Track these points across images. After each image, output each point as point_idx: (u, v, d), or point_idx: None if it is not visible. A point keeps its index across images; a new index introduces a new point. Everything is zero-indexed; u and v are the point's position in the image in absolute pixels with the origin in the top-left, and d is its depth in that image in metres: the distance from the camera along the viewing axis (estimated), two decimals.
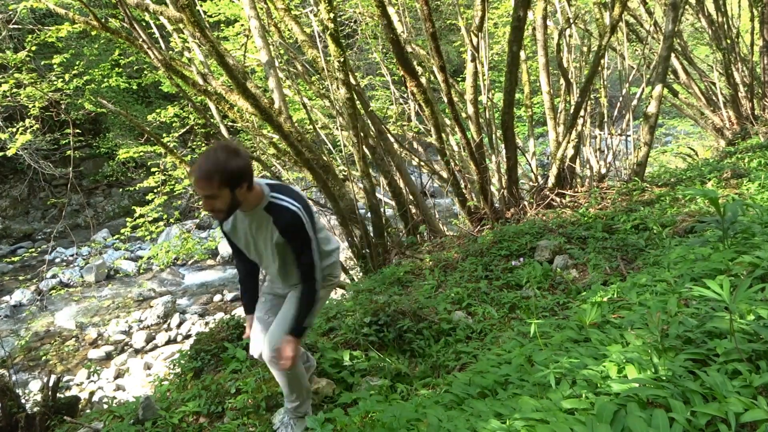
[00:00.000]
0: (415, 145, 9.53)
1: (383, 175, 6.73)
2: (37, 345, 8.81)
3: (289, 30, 7.02)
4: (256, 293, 2.75)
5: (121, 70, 10.69)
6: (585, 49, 8.94)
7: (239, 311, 8.88)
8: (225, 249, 12.25)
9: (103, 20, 6.15)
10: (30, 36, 8.52)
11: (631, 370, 1.77)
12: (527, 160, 8.05)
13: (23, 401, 3.74)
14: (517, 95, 7.13)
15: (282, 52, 7.52)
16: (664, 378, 1.65)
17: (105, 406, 4.01)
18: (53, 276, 11.49)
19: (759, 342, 1.73)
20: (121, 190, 15.17)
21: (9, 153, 9.07)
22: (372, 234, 6.28)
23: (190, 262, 12.34)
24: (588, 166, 7.61)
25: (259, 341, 2.63)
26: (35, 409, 3.64)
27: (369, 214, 6.38)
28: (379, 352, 3.31)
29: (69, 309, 10.14)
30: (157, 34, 7.63)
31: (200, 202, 2.30)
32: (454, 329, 3.58)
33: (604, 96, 7.77)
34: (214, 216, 2.27)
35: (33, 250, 11.91)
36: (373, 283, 4.79)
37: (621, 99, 8.55)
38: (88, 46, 11.91)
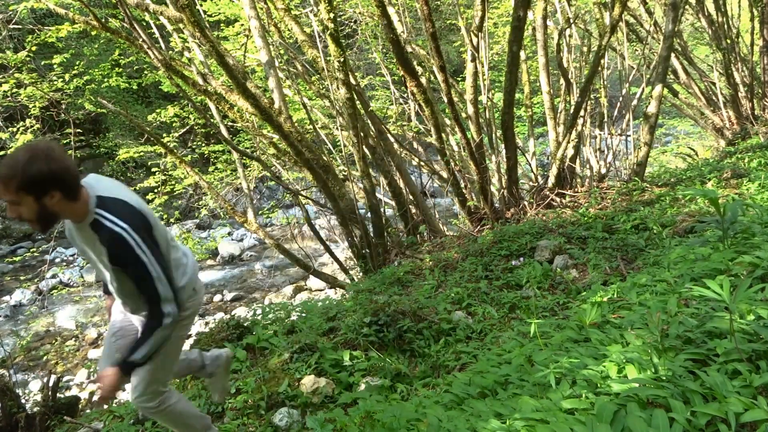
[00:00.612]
0: (415, 145, 9.54)
1: (383, 175, 6.73)
2: (37, 345, 8.81)
3: (289, 30, 7.03)
4: None
5: (121, 70, 10.68)
6: (585, 49, 8.94)
7: (239, 311, 8.88)
8: (225, 249, 12.26)
9: (103, 20, 6.15)
10: (30, 36, 8.53)
11: (631, 370, 1.77)
12: (527, 160, 8.05)
13: (23, 401, 3.74)
14: (517, 95, 7.12)
15: (282, 52, 7.52)
16: (664, 378, 1.65)
17: (105, 406, 4.01)
18: (53, 276, 11.48)
19: (759, 342, 1.73)
20: None
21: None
22: (372, 234, 6.28)
23: None
24: (588, 166, 7.61)
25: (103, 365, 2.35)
26: (35, 409, 3.65)
27: (369, 214, 6.38)
28: (379, 352, 3.31)
29: (69, 309, 10.14)
30: (157, 34, 7.63)
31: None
32: (454, 329, 3.58)
33: (604, 96, 7.77)
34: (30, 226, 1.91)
35: (33, 250, 11.88)
36: (373, 283, 4.79)
37: (621, 99, 8.54)
38: (88, 46, 11.91)
